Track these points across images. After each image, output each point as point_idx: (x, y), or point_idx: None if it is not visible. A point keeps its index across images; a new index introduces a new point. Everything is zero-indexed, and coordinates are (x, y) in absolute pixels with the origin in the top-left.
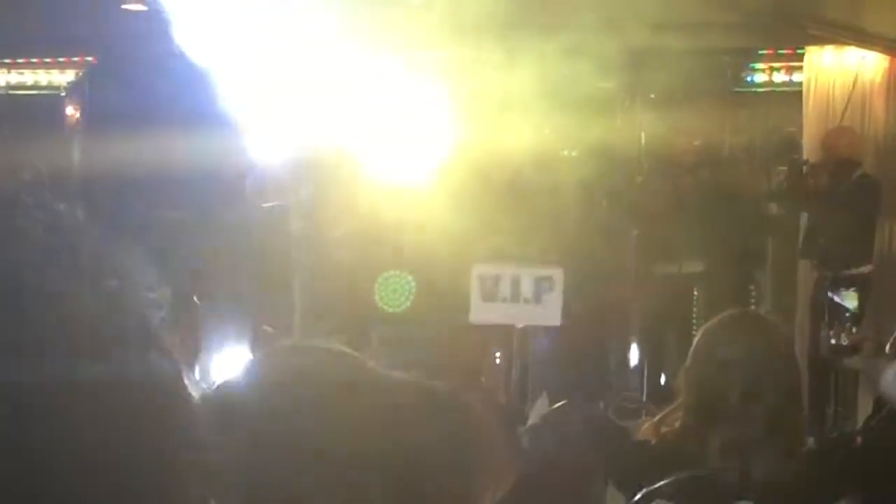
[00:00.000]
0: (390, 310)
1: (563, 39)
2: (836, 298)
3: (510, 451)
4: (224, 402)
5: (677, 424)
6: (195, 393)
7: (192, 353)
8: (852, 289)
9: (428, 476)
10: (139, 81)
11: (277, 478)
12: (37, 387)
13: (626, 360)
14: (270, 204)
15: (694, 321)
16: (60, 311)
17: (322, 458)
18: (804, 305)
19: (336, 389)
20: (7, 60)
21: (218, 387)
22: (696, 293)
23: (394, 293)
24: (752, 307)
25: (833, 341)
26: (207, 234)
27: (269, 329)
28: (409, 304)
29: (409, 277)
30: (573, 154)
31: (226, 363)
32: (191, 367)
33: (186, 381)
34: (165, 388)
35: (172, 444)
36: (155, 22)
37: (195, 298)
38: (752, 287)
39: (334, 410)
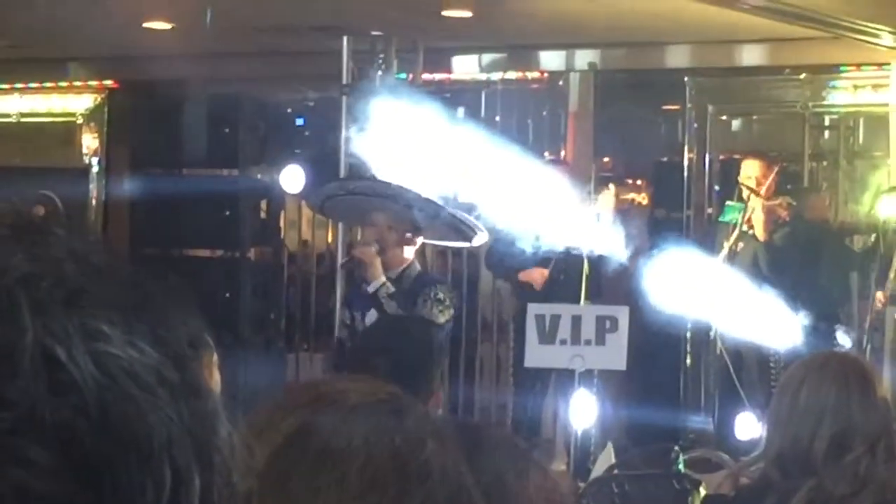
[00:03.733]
0: None
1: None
2: None
3: None
4: None
5: (758, 475)
6: (232, 427)
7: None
8: None
9: None
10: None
11: None
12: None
13: (699, 406)
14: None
15: (772, 364)
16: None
17: None
18: (893, 346)
19: None
20: (19, 85)
21: None
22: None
23: None
24: (838, 348)
25: None
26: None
27: None
28: None
29: None
30: (638, 182)
31: None
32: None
33: (222, 419)
34: (202, 430)
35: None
36: None
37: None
38: (837, 326)
39: None
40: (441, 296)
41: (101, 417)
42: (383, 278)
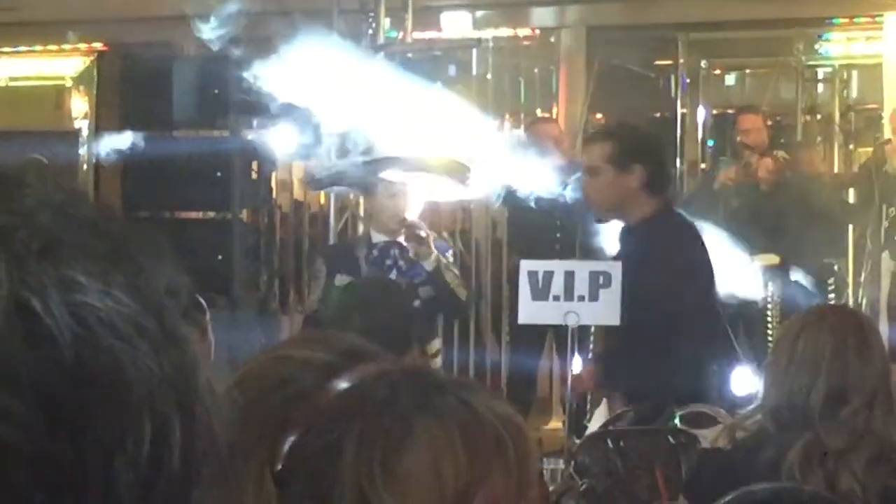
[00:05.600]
0: None
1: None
2: None
3: None
4: None
5: (755, 429)
6: (218, 384)
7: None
8: None
9: None
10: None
11: None
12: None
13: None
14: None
15: (769, 318)
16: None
17: None
18: (889, 299)
19: None
20: (7, 49)
21: None
22: (769, 288)
23: None
24: (832, 301)
25: None
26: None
27: None
28: None
29: None
30: None
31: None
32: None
33: (204, 372)
34: (179, 379)
35: (185, 434)
36: None
37: (201, 300)
38: (830, 280)
39: None
40: (452, 260)
41: (77, 369)
42: (436, 252)
